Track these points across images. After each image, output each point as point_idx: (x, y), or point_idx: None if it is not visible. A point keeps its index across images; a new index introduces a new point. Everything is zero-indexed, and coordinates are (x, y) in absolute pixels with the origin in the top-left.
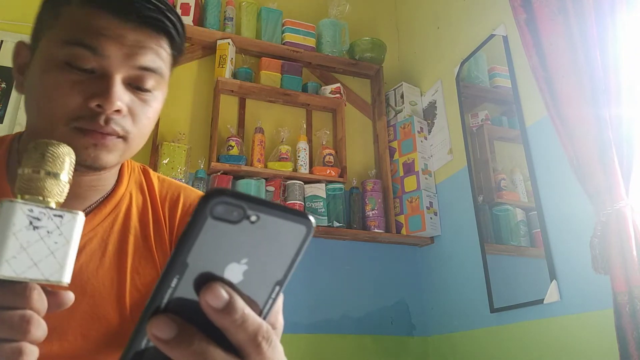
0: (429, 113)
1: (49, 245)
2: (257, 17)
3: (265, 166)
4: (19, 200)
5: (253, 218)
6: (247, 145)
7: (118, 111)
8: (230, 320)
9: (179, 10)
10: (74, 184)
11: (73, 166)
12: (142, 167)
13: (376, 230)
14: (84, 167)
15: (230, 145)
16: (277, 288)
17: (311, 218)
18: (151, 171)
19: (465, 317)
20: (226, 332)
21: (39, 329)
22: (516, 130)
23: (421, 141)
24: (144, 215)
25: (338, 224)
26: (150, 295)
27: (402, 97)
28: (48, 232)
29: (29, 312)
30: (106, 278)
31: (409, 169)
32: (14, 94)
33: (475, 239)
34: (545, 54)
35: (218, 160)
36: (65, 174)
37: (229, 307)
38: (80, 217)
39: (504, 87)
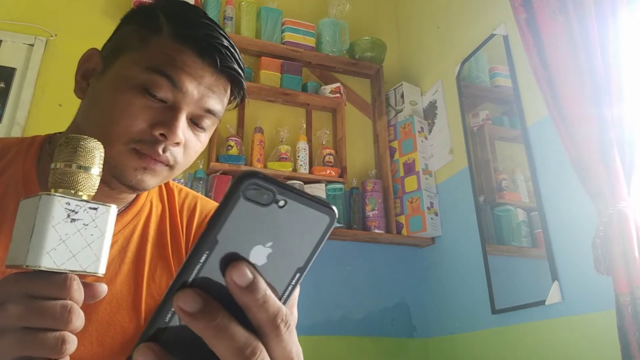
0: (430, 113)
1: (85, 237)
2: (256, 17)
3: (265, 166)
4: (56, 193)
5: (281, 203)
6: (247, 145)
7: (178, 143)
8: (253, 299)
9: None
10: (102, 195)
11: (102, 159)
12: None
13: (376, 231)
14: (126, 186)
15: (230, 145)
16: (298, 275)
17: (334, 208)
18: (170, 180)
19: (466, 319)
20: (248, 311)
21: (79, 318)
22: (517, 130)
23: (422, 141)
24: (162, 223)
25: (338, 225)
26: (179, 269)
27: (402, 96)
28: (84, 224)
29: (69, 302)
30: (123, 285)
31: (410, 169)
32: (13, 93)
33: (476, 239)
34: (546, 54)
35: (217, 160)
36: (96, 167)
37: (253, 286)
38: (113, 209)
39: (505, 87)
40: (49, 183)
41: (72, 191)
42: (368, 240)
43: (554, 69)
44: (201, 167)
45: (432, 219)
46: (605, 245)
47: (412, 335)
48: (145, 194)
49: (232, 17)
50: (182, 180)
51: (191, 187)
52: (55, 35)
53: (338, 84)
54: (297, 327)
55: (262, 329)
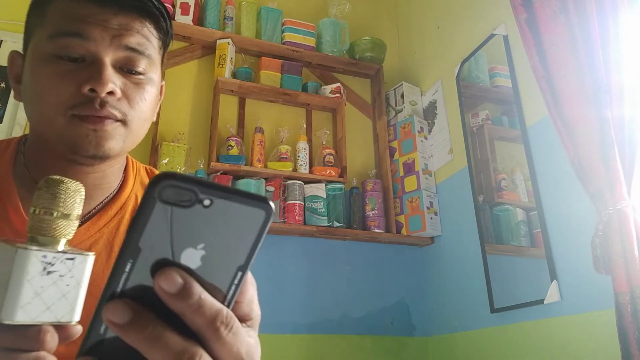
0: (429, 113)
1: (61, 288)
2: (257, 17)
3: (265, 166)
4: (33, 247)
5: (206, 202)
6: (247, 145)
7: (111, 93)
8: (186, 305)
9: (178, 10)
10: (78, 173)
11: (83, 201)
12: (147, 168)
13: (376, 231)
14: (88, 157)
15: (230, 145)
16: (240, 273)
17: (270, 202)
18: (157, 172)
19: (465, 318)
20: (183, 317)
21: None
22: (517, 130)
23: (421, 141)
24: None
25: (338, 224)
26: (106, 281)
27: (402, 96)
28: (60, 275)
29: (42, 353)
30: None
31: (409, 168)
32: (13, 93)
33: (475, 239)
34: (546, 54)
35: (218, 160)
36: (77, 212)
37: (184, 291)
38: (91, 258)
39: (505, 87)
40: (27, 227)
41: (50, 237)
42: (368, 239)
43: (554, 69)
44: (201, 166)
45: (431, 218)
46: (605, 245)
47: (412, 334)
48: (129, 187)
49: (232, 17)
50: None
51: None
52: None
53: (338, 84)
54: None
55: (202, 333)
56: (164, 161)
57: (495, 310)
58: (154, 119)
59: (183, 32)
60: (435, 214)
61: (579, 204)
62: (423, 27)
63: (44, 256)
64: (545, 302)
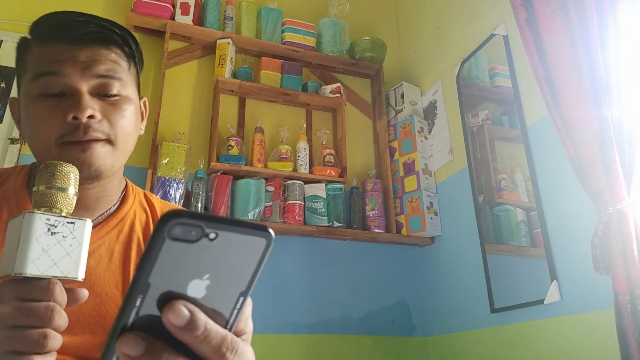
0: (430, 113)
1: (65, 247)
2: (257, 17)
3: (265, 166)
4: (38, 211)
5: (212, 235)
6: (247, 145)
7: (92, 117)
8: (193, 336)
9: (178, 10)
10: (83, 197)
11: (78, 181)
12: (146, 193)
13: (376, 231)
14: (84, 178)
15: (230, 145)
16: (242, 299)
17: (270, 231)
18: (154, 195)
19: (465, 318)
20: (191, 347)
21: (61, 318)
22: (517, 130)
23: (421, 141)
24: (147, 229)
25: (338, 224)
26: (117, 313)
27: (402, 96)
28: (63, 236)
29: (52, 303)
30: (111, 280)
31: (409, 168)
32: (13, 93)
33: (475, 239)
34: (546, 54)
35: (218, 160)
36: (72, 188)
37: (191, 324)
38: (89, 223)
39: (505, 87)
40: (32, 203)
41: (52, 209)
42: (368, 239)
43: (554, 69)
44: (202, 167)
45: (431, 218)
46: (605, 245)
47: (412, 334)
48: (129, 204)
49: (232, 17)
50: (182, 181)
51: (192, 187)
52: None
53: (338, 84)
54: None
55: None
56: (164, 161)
57: (495, 310)
58: (142, 131)
59: (183, 32)
60: (435, 214)
61: (579, 204)
62: (423, 27)
63: (47, 219)
64: (545, 302)
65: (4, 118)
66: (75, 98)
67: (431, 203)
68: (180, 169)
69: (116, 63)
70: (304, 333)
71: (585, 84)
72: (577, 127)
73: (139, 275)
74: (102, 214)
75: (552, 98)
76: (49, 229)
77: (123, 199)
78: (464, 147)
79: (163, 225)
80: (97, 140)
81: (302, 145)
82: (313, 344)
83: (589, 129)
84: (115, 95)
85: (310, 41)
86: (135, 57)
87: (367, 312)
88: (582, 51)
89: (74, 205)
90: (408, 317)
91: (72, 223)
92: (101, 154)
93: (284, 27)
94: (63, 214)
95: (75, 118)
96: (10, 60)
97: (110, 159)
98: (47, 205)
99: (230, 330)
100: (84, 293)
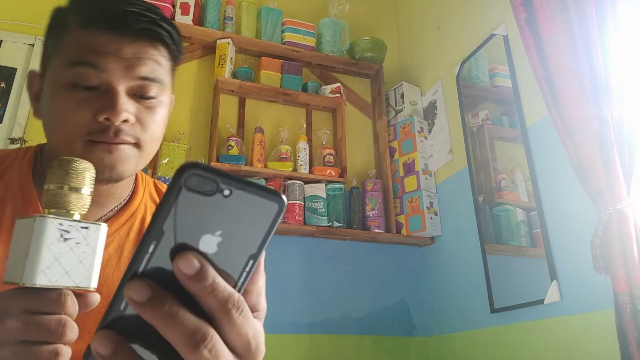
0: (429, 113)
1: (77, 254)
2: (257, 17)
3: (265, 166)
4: (50, 215)
5: (226, 192)
6: (247, 145)
7: (126, 121)
8: (201, 286)
9: (178, 10)
10: (94, 193)
11: (93, 180)
12: (156, 182)
13: (376, 231)
14: (103, 181)
15: (230, 145)
16: (251, 262)
17: (283, 197)
18: (164, 185)
19: (465, 318)
20: (198, 298)
21: (73, 331)
22: (517, 130)
23: (421, 141)
24: None
25: (338, 224)
26: (130, 260)
27: (402, 96)
28: (76, 242)
29: (64, 316)
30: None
31: (409, 169)
32: (13, 93)
33: (475, 239)
34: (546, 54)
35: (218, 160)
36: (87, 187)
37: (200, 274)
38: (104, 227)
39: (505, 87)
40: (42, 203)
41: (64, 211)
42: (368, 239)
43: (554, 69)
44: None
45: (431, 218)
46: (604, 245)
47: (412, 334)
48: (139, 197)
49: (232, 17)
50: None
51: None
52: None
53: (338, 84)
54: (298, 326)
55: (214, 315)
56: (164, 161)
57: (495, 310)
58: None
59: (183, 32)
60: (435, 214)
61: (579, 204)
62: (423, 27)
63: (60, 224)
64: (545, 302)
65: (4, 118)
66: (112, 98)
67: (431, 203)
68: None
69: (159, 64)
70: (304, 333)
71: (585, 84)
72: (577, 127)
73: (154, 221)
74: (112, 209)
75: (552, 98)
76: (61, 235)
77: (133, 191)
78: (464, 147)
79: (180, 175)
80: (126, 143)
81: (302, 145)
82: (313, 344)
83: (589, 129)
84: (152, 98)
85: (310, 41)
86: (178, 57)
87: (367, 312)
88: (582, 51)
89: (87, 206)
90: (408, 317)
91: (86, 228)
92: (127, 158)
93: (284, 27)
94: (76, 217)
95: (107, 119)
96: (10, 60)
97: (135, 164)
98: (59, 206)
99: (238, 292)
100: (96, 298)
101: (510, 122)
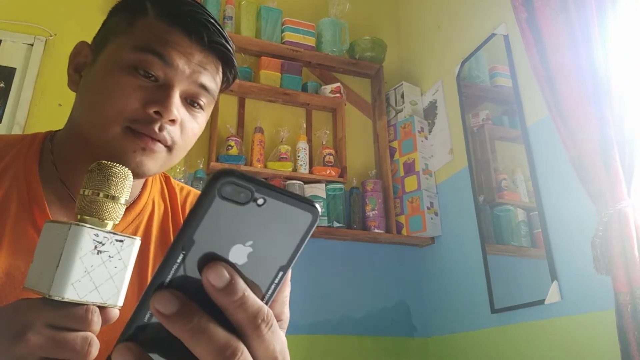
0: (430, 113)
1: (109, 269)
2: (256, 16)
3: (265, 166)
4: (86, 224)
5: (260, 201)
6: (247, 145)
7: (173, 121)
8: (230, 300)
9: None
10: None
11: (131, 188)
12: (163, 174)
13: (376, 231)
14: None
15: (230, 145)
16: (281, 273)
17: (317, 206)
18: (172, 179)
19: (466, 318)
20: (226, 312)
21: (97, 349)
22: (517, 130)
23: (422, 141)
24: (164, 222)
25: (338, 224)
26: (156, 270)
27: (402, 96)
28: (110, 256)
29: (90, 334)
30: (128, 284)
31: (410, 169)
32: (12, 93)
33: (476, 239)
34: (546, 53)
35: (217, 160)
36: (125, 197)
37: (230, 287)
38: (137, 242)
39: (505, 87)
40: (76, 208)
41: (97, 219)
42: (368, 240)
43: (555, 69)
44: (201, 167)
45: (431, 218)
46: (605, 245)
47: (412, 334)
48: (147, 192)
49: (232, 17)
50: (182, 181)
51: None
52: (55, 34)
53: (338, 84)
54: (298, 327)
55: (243, 329)
56: None
57: (495, 311)
58: None
59: None
60: (436, 214)
61: (580, 204)
62: (423, 27)
63: (96, 235)
64: (545, 302)
65: (3, 118)
66: (167, 94)
67: (431, 203)
68: (179, 169)
69: (215, 80)
70: (304, 333)
71: (585, 83)
72: (577, 127)
73: (184, 230)
74: None
75: (552, 98)
76: (95, 247)
77: (142, 186)
78: (464, 147)
79: (215, 183)
80: (164, 144)
81: (302, 145)
82: (313, 344)
83: (589, 129)
84: (200, 108)
85: (310, 41)
86: (228, 83)
87: (367, 313)
88: (582, 51)
89: (121, 216)
90: (408, 317)
91: (120, 241)
92: (157, 158)
93: (283, 26)
94: (109, 227)
95: (157, 113)
96: (9, 60)
97: (160, 167)
98: (94, 214)
99: (266, 304)
100: (115, 313)
101: (511, 122)
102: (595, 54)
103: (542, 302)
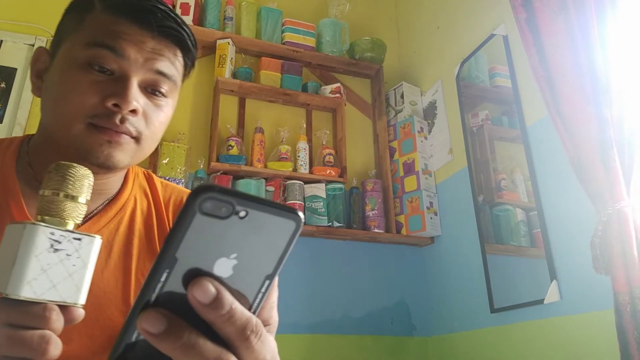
0: (429, 113)
1: (67, 267)
2: (257, 17)
3: (265, 166)
4: (41, 223)
5: (242, 214)
6: (247, 145)
7: (133, 111)
8: (218, 314)
9: (178, 11)
10: None
11: (91, 187)
12: (145, 172)
13: (376, 231)
14: (96, 165)
15: (230, 145)
16: (267, 282)
17: (300, 214)
18: (154, 176)
19: (465, 318)
20: (214, 326)
21: (56, 348)
22: (516, 130)
23: (421, 141)
24: (148, 218)
25: (338, 224)
26: (141, 289)
27: (402, 96)
28: (67, 254)
29: (47, 332)
30: (111, 279)
31: (409, 169)
32: (13, 93)
33: (475, 239)
34: (545, 54)
35: (218, 160)
36: (84, 196)
37: (217, 302)
38: (98, 240)
39: (505, 87)
40: (36, 209)
41: (58, 219)
42: (368, 239)
43: (554, 69)
44: (202, 167)
45: (431, 218)
46: (604, 245)
47: (412, 333)
48: (128, 189)
49: (232, 17)
50: (182, 180)
51: (192, 187)
52: None
53: (338, 84)
54: (298, 327)
55: (232, 342)
56: (164, 161)
57: (495, 310)
58: None
59: None
60: (435, 214)
61: (579, 204)
62: (423, 27)
63: (52, 233)
64: (545, 302)
65: (4, 118)
66: (124, 85)
67: (431, 203)
68: (180, 169)
69: (174, 65)
70: (304, 333)
71: (585, 83)
72: (577, 127)
73: (166, 248)
74: (102, 203)
75: (552, 98)
76: (51, 245)
77: (123, 183)
78: (463, 147)
79: (194, 199)
80: (128, 135)
81: (302, 145)
82: (313, 344)
83: (588, 129)
84: (162, 96)
85: (310, 41)
86: (190, 66)
87: (367, 312)
88: (582, 51)
89: (82, 216)
90: (408, 317)
91: (78, 239)
92: (124, 150)
93: (284, 27)
94: (70, 226)
95: (116, 105)
96: (10, 61)
97: (130, 157)
98: (53, 213)
99: (254, 313)
100: (80, 313)
101: (510, 122)
102: (595, 54)
103: (541, 301)
